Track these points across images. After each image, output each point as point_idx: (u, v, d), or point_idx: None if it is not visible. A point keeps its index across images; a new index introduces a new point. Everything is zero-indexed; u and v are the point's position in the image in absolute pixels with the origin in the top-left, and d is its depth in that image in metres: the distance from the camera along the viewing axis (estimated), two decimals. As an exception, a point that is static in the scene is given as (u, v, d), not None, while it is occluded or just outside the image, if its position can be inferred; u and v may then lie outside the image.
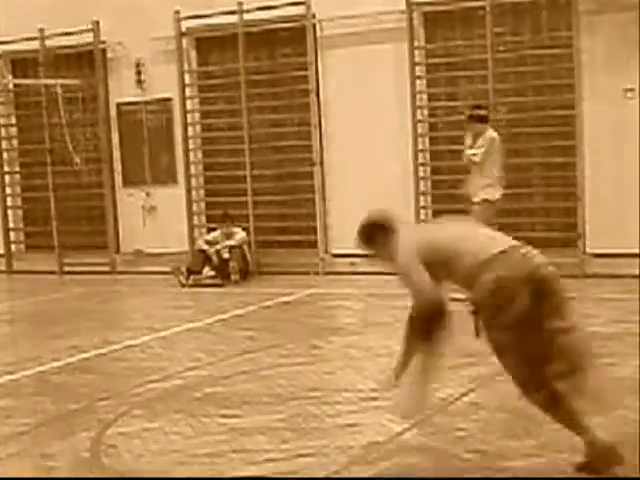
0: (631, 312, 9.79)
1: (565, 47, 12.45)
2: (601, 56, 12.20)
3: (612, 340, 8.52)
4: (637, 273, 11.72)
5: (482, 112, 11.13)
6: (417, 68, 13.23)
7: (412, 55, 13.12)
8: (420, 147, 13.29)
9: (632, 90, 11.99)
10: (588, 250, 12.40)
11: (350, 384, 7.37)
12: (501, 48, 12.90)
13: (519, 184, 12.93)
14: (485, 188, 10.85)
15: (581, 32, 12.23)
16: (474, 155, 10.87)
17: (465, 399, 6.47)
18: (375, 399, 6.72)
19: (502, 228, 12.67)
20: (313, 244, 14.07)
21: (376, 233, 5.47)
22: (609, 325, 9.23)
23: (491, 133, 10.98)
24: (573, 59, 12.33)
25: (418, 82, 13.25)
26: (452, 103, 13.41)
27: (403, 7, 13.02)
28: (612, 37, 12.11)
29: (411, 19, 13.08)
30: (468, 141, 11.01)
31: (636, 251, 11.91)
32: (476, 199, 10.86)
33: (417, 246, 5.24)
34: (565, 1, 12.38)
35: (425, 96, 13.41)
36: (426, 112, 13.47)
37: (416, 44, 13.20)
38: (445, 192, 13.07)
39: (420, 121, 13.31)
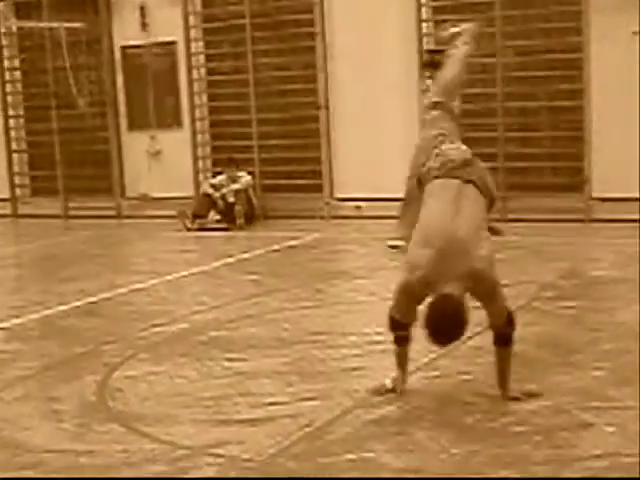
0: (634, 256, 9.79)
1: (573, -11, 12.34)
2: (609, -2, 12.08)
3: (615, 284, 8.55)
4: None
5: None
6: (423, 10, 13.11)
7: (418, -3, 13.02)
8: (425, 89, 13.19)
9: (638, 33, 11.87)
10: (594, 194, 12.36)
11: (355, 328, 7.40)
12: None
13: (526, 128, 12.89)
14: None
15: (589, -26, 12.10)
16: None
17: (469, 343, 6.48)
18: (380, 342, 6.74)
19: (507, 170, 12.75)
20: (319, 188, 14.03)
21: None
22: (613, 269, 9.24)
23: None
24: (581, 1, 12.20)
25: (424, 25, 13.13)
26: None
27: (409, -51, 12.89)
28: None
29: (418, -39, 12.95)
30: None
31: (642, 195, 11.90)
32: None
33: None
34: (574, -58, 12.25)
35: (432, 39, 13.30)
36: (432, 55, 13.37)
37: (423, -14, 13.08)
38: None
39: (426, 64, 13.22)
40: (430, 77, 10.03)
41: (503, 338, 5.48)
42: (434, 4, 13.24)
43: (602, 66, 12.11)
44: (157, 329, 7.66)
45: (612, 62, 12.04)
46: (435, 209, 5.47)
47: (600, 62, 12.12)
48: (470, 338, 6.61)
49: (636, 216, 11.73)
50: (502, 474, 4.42)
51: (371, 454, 4.79)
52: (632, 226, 11.46)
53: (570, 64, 12.52)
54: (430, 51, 10.32)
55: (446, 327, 5.10)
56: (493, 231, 7.59)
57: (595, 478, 4.15)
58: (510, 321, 5.46)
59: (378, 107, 13.36)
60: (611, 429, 4.93)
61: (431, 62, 10.02)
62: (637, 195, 11.89)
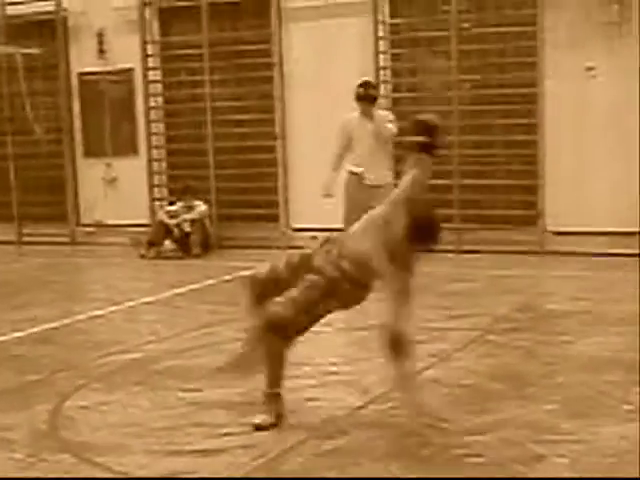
0: (588, 289, 9.91)
1: (529, 25, 12.48)
2: (564, 34, 12.24)
3: (569, 317, 8.61)
4: (595, 251, 11.84)
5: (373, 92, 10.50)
6: (381, 43, 13.22)
7: (376, 30, 13.11)
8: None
9: (593, 68, 12.06)
10: (548, 228, 12.48)
11: (309, 358, 7.38)
12: (465, 25, 12.90)
13: (480, 161, 13.01)
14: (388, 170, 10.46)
15: (545, 10, 12.26)
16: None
17: (425, 374, 6.50)
18: (334, 373, 6.76)
19: (462, 202, 12.84)
20: (275, 218, 14.06)
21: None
22: (566, 302, 9.31)
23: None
24: (536, 37, 12.37)
25: (382, 57, 13.24)
26: (415, 79, 13.43)
27: (368, -19, 13.01)
28: (575, 15, 12.16)
29: (376, -7, 13.07)
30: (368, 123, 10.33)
31: (595, 229, 12.04)
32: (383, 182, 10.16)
33: None
34: (529, -21, 12.42)
35: (389, 71, 13.41)
36: (390, 87, 13.46)
37: (380, 18, 13.17)
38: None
39: (383, 96, 13.28)
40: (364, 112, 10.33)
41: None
42: (392, 37, 13.35)
43: (556, 101, 12.27)
44: (111, 358, 7.60)
45: (566, 97, 12.21)
46: None
47: (554, 97, 12.28)
48: (425, 369, 6.64)
49: (588, 249, 11.88)
50: (456, 506, 4.44)
51: (325, 485, 4.78)
52: (585, 260, 11.60)
53: (525, 99, 12.67)
54: (361, 85, 10.45)
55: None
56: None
57: (594, 478, 4.15)
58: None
59: (334, 138, 13.38)
60: (563, 461, 4.96)
61: (365, 95, 10.33)
62: (589, 229, 12.05)
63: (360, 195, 10.13)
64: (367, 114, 10.31)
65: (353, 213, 9.42)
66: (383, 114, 10.51)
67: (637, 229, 11.93)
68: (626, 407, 5.83)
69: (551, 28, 12.26)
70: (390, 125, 10.29)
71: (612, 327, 8.06)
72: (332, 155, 10.55)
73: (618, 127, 12.03)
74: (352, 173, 10.47)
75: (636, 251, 11.80)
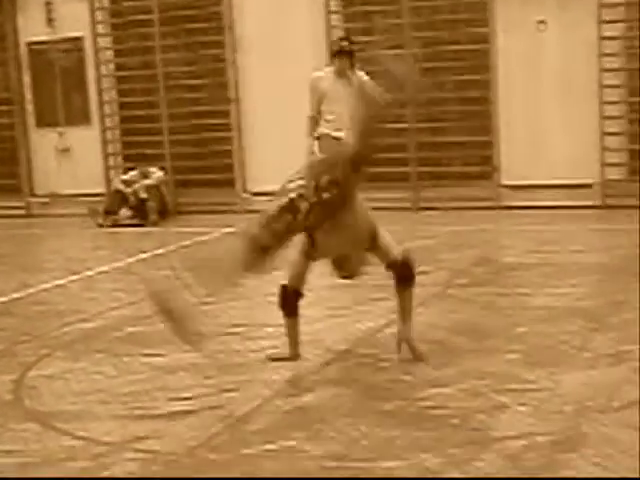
0: (544, 242, 10.01)
1: (479, -20, 12.50)
2: (514, -11, 12.28)
3: (526, 270, 8.70)
4: (552, 204, 11.94)
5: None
6: (332, 3, 13.18)
7: (327, -10, 13.07)
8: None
9: (544, 22, 12.10)
10: (504, 182, 12.56)
11: (272, 319, 7.38)
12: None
13: (434, 118, 13.03)
14: None
15: (494, -35, 12.28)
16: None
17: (387, 330, 6.54)
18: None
19: (417, 160, 12.88)
20: (231, 182, 14.02)
21: None
22: (523, 256, 9.40)
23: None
24: (487, -8, 12.39)
25: (334, 17, 13.20)
26: (367, 38, 13.38)
27: (317, -58, 12.94)
28: (525, -30, 12.20)
29: (325, -47, 13.01)
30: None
31: (551, 182, 12.14)
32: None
33: None
34: None
35: (340, 31, 13.35)
36: (342, 47, 13.41)
37: (331, -21, 13.14)
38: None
39: (335, 56, 13.26)
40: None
41: (403, 278, 5.91)
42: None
43: (508, 56, 12.31)
44: (72, 327, 7.58)
45: (518, 52, 12.26)
46: None
47: (507, 52, 12.32)
48: (387, 326, 6.69)
49: (544, 203, 11.98)
50: (422, 457, 4.48)
51: (292, 442, 4.80)
52: (542, 212, 11.69)
53: (477, 54, 12.69)
54: (342, 39, 9.75)
55: None
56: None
57: (593, 478, 4.22)
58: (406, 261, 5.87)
59: (289, 100, 13.36)
60: (525, 409, 5.03)
61: (347, 49, 9.87)
62: (544, 182, 12.15)
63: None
64: (343, 72, 9.48)
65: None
66: (366, 77, 9.53)
67: (592, 180, 12.05)
68: (585, 355, 5.91)
69: (501, -17, 12.29)
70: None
71: (570, 278, 8.15)
72: (306, 119, 9.72)
73: (570, 80, 12.10)
74: (334, 138, 9.49)
75: (592, 202, 11.93)
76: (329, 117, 9.52)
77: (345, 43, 9.52)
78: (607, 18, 11.89)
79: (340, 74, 9.50)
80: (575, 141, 12.10)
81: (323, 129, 9.53)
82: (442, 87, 13.06)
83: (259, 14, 13.55)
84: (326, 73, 9.66)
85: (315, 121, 9.60)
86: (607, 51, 11.94)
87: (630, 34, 12.13)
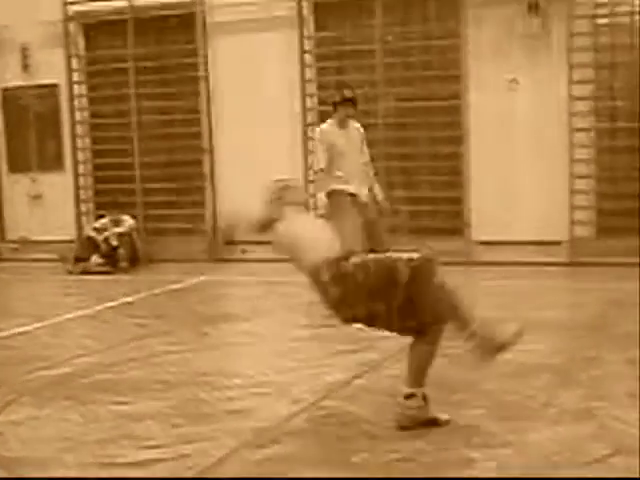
0: (513, 298, 10.05)
1: (452, 38, 12.66)
2: (487, 47, 12.45)
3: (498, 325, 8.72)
4: (521, 260, 12.04)
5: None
6: (306, 56, 13.31)
7: (302, 43, 13.20)
8: (309, 135, 13.36)
9: (515, 80, 12.27)
10: (474, 238, 12.65)
11: (240, 370, 7.40)
12: (390, 38, 13.04)
13: (406, 173, 13.14)
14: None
15: (468, 23, 12.45)
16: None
17: (355, 382, 6.56)
18: (265, 384, 6.78)
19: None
20: (203, 231, 14.04)
21: None
22: (492, 311, 9.40)
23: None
24: (460, 50, 12.55)
25: (307, 70, 13.33)
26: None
27: (293, -5, 13.09)
28: (497, 29, 12.38)
29: (301, 7, 13.15)
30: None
31: (520, 239, 12.23)
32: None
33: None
34: (453, -7, 12.60)
35: (314, 85, 13.49)
36: (315, 100, 13.54)
37: (306, 33, 13.27)
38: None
39: (309, 109, 13.39)
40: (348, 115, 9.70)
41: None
42: (317, 51, 13.45)
43: (480, 113, 12.45)
44: (40, 373, 7.53)
45: (489, 109, 12.40)
46: None
47: (478, 109, 12.46)
48: (356, 377, 6.70)
49: (513, 259, 12.06)
50: (388, 510, 4.49)
51: (258, 494, 4.80)
52: (511, 269, 11.77)
53: (449, 111, 12.83)
54: (345, 87, 9.89)
55: None
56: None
57: (596, 478, 4.21)
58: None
59: (262, 151, 13.47)
60: (493, 464, 5.04)
61: (352, 98, 9.68)
62: (514, 239, 12.25)
63: (357, 216, 9.50)
64: (346, 121, 9.67)
65: (355, 234, 9.11)
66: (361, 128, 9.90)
67: (561, 238, 12.16)
68: (552, 410, 5.95)
69: (474, 41, 12.46)
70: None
71: (538, 334, 8.18)
72: (317, 173, 9.68)
73: (540, 138, 12.25)
74: (350, 194, 9.61)
75: (560, 259, 12.04)
76: (339, 173, 9.57)
77: (349, 91, 9.65)
78: (577, 78, 12.08)
79: (342, 124, 9.64)
80: (545, 199, 12.22)
81: (334, 185, 9.53)
82: (414, 142, 13.17)
83: (233, 66, 13.65)
84: (330, 125, 9.73)
85: (329, 174, 9.56)
86: (577, 110, 12.11)
87: (600, 94, 12.34)
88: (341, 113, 9.63)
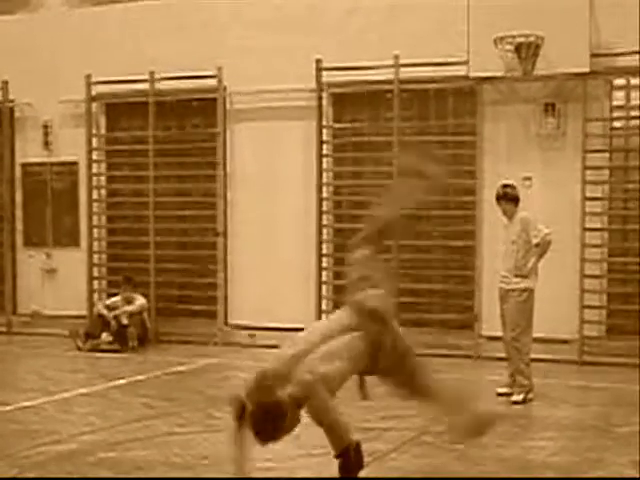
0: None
1: (469, 134, 12.82)
2: (502, 145, 12.61)
3: (503, 421, 8.70)
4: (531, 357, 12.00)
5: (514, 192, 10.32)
6: (324, 146, 13.47)
7: (320, 133, 13.37)
8: (324, 223, 13.48)
9: (529, 179, 12.38)
10: (484, 333, 12.65)
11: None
12: (407, 131, 13.20)
13: (418, 266, 13.18)
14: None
15: (484, 121, 12.63)
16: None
17: (359, 473, 6.53)
18: (270, 469, 6.77)
19: (399, 308, 12.97)
20: (213, 314, 14.08)
21: None
22: (501, 406, 9.42)
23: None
24: (476, 146, 12.70)
25: (325, 160, 13.48)
26: (357, 182, 13.66)
27: (313, 86, 13.28)
28: (513, 127, 12.55)
29: (320, 98, 13.35)
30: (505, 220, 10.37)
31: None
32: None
33: None
34: (470, 90, 12.78)
35: (331, 174, 13.63)
36: (331, 189, 13.68)
37: (324, 123, 13.45)
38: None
39: (325, 199, 13.51)
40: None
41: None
42: (336, 141, 13.62)
43: (494, 209, 12.51)
44: (44, 448, 7.54)
45: (503, 206, 12.46)
46: None
47: (492, 205, 12.52)
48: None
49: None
50: None
51: None
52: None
53: (464, 205, 12.92)
54: (504, 185, 10.35)
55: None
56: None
57: (601, 478, 4.17)
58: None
59: (276, 236, 13.59)
60: None
61: (504, 194, 10.18)
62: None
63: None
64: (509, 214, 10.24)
65: None
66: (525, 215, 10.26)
67: (571, 336, 12.16)
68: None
69: (490, 138, 12.62)
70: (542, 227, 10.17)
71: (544, 432, 8.18)
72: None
73: (553, 237, 12.29)
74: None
75: (569, 357, 12.03)
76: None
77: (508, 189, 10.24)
78: (591, 179, 12.20)
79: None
80: (555, 297, 12.22)
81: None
82: (427, 235, 13.23)
83: (251, 152, 13.83)
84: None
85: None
86: (590, 210, 12.20)
87: (613, 196, 12.45)
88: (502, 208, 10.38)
